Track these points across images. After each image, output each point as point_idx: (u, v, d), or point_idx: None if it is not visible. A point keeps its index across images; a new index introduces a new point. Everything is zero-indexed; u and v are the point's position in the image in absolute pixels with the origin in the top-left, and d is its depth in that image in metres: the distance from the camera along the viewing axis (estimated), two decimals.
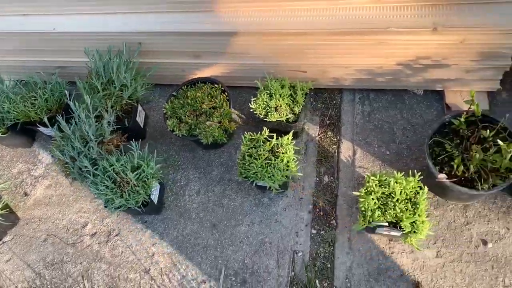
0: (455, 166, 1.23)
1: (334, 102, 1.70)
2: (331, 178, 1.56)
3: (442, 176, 1.23)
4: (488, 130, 1.24)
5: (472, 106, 1.26)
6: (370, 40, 1.39)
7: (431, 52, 1.39)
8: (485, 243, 1.34)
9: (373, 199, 1.26)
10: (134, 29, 1.53)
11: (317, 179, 1.57)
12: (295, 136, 1.62)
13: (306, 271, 1.42)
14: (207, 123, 1.47)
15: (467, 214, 1.40)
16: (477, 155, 1.19)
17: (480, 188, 1.21)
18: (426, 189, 1.27)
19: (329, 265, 1.42)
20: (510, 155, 1.14)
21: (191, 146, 1.72)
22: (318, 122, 1.67)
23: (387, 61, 1.46)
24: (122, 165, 1.42)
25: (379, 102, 1.65)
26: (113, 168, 1.41)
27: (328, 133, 1.64)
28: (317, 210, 1.52)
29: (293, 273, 1.43)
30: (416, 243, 1.25)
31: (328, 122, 1.66)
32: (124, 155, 1.46)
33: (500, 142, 1.17)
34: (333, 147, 1.61)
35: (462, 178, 1.25)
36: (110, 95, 1.56)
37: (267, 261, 1.46)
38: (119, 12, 1.55)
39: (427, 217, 1.25)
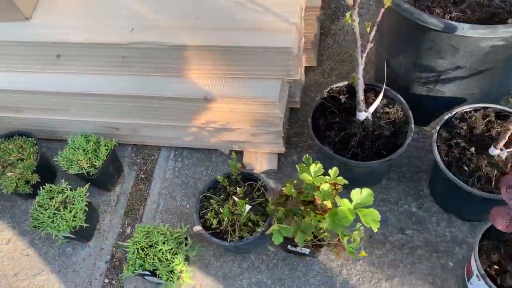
0: (211, 219, 1.37)
1: (152, 158, 1.83)
2: (133, 229, 1.65)
3: (197, 228, 1.36)
4: (241, 187, 1.40)
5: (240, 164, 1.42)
6: (162, 104, 1.55)
7: (216, 118, 1.57)
8: None
9: (137, 248, 1.36)
10: None
11: (121, 230, 1.66)
12: (107, 189, 1.73)
13: None
14: (8, 174, 1.56)
15: (242, 265, 1.52)
16: (225, 209, 1.34)
17: (229, 240, 1.35)
18: (190, 240, 1.39)
19: None
20: (243, 209, 1.29)
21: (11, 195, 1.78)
22: (134, 176, 1.79)
23: (180, 122, 1.63)
24: None
25: (190, 159, 1.80)
26: None
27: (141, 186, 1.76)
28: (114, 260, 1.60)
29: None
30: None
31: (143, 176, 1.79)
32: None
33: (235, 198, 1.32)
34: (141, 200, 1.72)
35: (218, 230, 1.38)
36: None
37: None
38: None
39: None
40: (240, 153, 1.76)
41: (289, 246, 1.39)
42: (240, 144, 1.69)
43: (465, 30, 1.19)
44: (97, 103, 1.61)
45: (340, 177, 1.19)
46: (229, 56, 1.40)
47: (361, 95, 1.35)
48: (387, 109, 1.48)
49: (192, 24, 1.43)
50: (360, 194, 1.15)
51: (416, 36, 1.32)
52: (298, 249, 1.39)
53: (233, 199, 1.39)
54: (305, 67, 1.84)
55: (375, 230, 1.10)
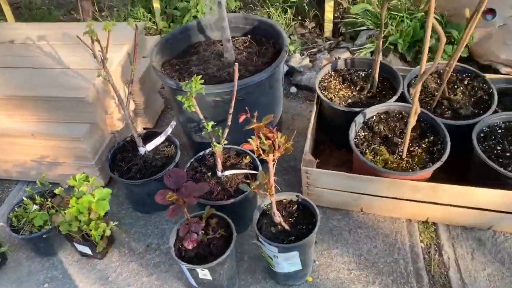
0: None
1: (9, 189, 2.30)
2: None
3: None
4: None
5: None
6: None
7: (46, 153, 2.08)
8: None
9: None
10: None
11: None
12: None
13: None
14: None
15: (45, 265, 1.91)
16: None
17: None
18: None
19: None
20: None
21: None
22: None
23: (24, 157, 2.14)
24: None
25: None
26: None
27: None
28: None
29: None
30: None
31: None
32: None
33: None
34: None
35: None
36: None
37: None
38: None
39: None
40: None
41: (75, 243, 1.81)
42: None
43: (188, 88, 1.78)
44: None
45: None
46: (50, 104, 1.97)
47: (137, 138, 1.90)
48: (165, 148, 2.02)
49: (27, 85, 2.03)
50: (101, 192, 1.64)
51: (173, 94, 1.91)
52: (79, 247, 1.82)
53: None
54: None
55: (102, 213, 1.58)
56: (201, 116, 1.59)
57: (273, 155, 1.48)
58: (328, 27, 2.89)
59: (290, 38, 2.91)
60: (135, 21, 3.16)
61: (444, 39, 1.38)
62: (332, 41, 2.88)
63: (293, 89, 2.64)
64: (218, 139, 1.67)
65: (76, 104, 1.94)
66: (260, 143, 1.47)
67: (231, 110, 1.59)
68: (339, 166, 2.08)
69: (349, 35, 2.84)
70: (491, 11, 2.34)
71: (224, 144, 1.68)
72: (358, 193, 1.84)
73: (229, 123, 1.61)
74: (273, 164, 1.49)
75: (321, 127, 2.19)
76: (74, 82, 1.99)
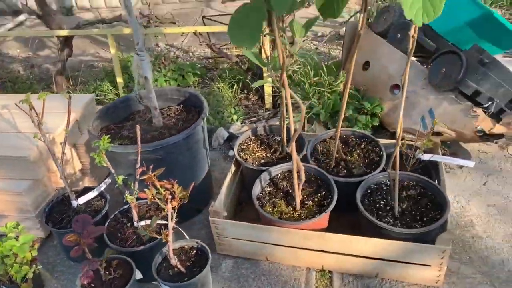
0: None
1: None
2: None
3: None
4: None
5: None
6: None
7: None
8: None
9: None
10: None
11: None
12: None
13: None
14: None
15: None
16: None
17: None
18: None
19: None
20: None
21: None
22: None
23: None
24: None
25: None
26: None
27: None
28: None
29: None
30: None
31: None
32: None
33: None
34: None
35: None
36: None
37: None
38: None
39: None
40: None
41: None
42: None
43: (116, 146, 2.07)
44: None
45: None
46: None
47: (69, 192, 2.17)
48: (96, 202, 2.26)
49: None
50: (25, 237, 1.87)
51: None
52: None
53: None
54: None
55: (22, 256, 1.79)
56: (113, 171, 1.86)
57: (171, 204, 1.73)
58: (268, 100, 3.26)
59: (235, 109, 3.26)
60: (102, 92, 3.57)
61: (303, 108, 1.69)
62: (271, 111, 3.23)
63: (231, 153, 2.94)
64: (131, 192, 1.93)
65: (20, 162, 2.23)
66: (157, 193, 1.73)
67: (138, 165, 1.86)
68: (255, 220, 2.30)
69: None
70: (397, 86, 2.69)
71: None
72: (262, 243, 2.05)
73: (137, 177, 1.88)
74: (172, 212, 1.74)
75: (243, 186, 2.45)
76: (22, 143, 2.30)
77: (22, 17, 5.57)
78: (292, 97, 1.70)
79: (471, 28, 2.52)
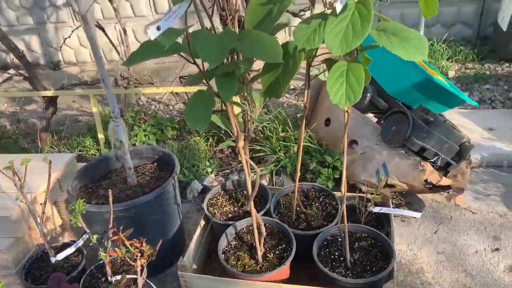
0: None
1: None
2: None
3: None
4: None
5: None
6: None
7: None
8: None
9: None
10: None
11: None
12: None
13: None
14: None
15: None
16: None
17: None
18: None
19: None
20: None
21: None
22: None
23: None
24: None
25: None
26: None
27: None
28: None
29: None
30: None
31: None
32: None
33: None
34: None
35: None
36: None
37: None
38: None
39: None
40: None
41: None
42: None
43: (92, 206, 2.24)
44: None
45: None
46: None
47: (48, 249, 2.32)
48: (74, 258, 2.41)
49: None
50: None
51: None
52: None
53: None
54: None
55: None
56: (88, 231, 2.03)
57: (140, 261, 1.90)
58: (246, 148, 3.47)
59: (209, 161, 3.47)
60: (84, 148, 3.76)
61: (258, 172, 1.90)
62: (242, 164, 3.44)
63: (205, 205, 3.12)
64: (105, 249, 2.09)
65: (2, 221, 2.38)
66: (127, 251, 1.90)
67: (110, 225, 2.03)
68: (224, 271, 2.46)
69: (258, 159, 3.41)
70: (355, 142, 2.94)
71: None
72: None
73: (110, 235, 2.05)
74: (141, 269, 1.90)
75: (213, 238, 2.62)
76: (5, 203, 2.46)
77: (11, 72, 5.83)
78: (249, 162, 1.92)
79: (418, 90, 2.81)
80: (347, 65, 1.54)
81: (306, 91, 1.93)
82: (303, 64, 1.77)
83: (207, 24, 1.55)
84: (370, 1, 1.42)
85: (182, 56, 1.56)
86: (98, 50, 2.20)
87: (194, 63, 1.55)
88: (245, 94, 2.24)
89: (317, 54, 1.78)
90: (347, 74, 1.53)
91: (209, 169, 3.39)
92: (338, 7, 1.37)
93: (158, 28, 1.32)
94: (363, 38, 1.39)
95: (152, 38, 1.31)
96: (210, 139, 3.66)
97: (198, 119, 1.51)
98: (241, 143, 1.94)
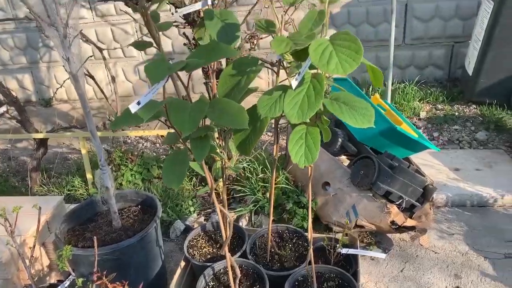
0: None
1: None
2: None
3: None
4: None
5: None
6: None
7: None
8: None
9: None
10: None
11: None
12: None
13: None
14: None
15: None
16: None
17: None
18: None
19: None
20: None
21: None
22: None
23: None
24: None
25: None
26: None
27: None
28: None
29: None
30: None
31: None
32: None
33: None
34: None
35: None
36: None
37: None
38: None
39: None
40: None
41: None
42: None
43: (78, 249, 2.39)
44: None
45: None
46: None
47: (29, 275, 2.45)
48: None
49: None
50: None
51: None
52: None
53: None
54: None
55: None
56: (73, 274, 2.18)
57: None
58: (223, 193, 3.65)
59: (192, 201, 3.64)
60: (73, 187, 3.92)
61: (231, 219, 2.09)
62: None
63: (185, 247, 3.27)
64: None
65: None
66: None
67: (95, 269, 2.19)
68: None
69: (238, 199, 3.59)
70: (327, 183, 3.14)
71: None
72: None
73: (94, 279, 2.20)
74: None
75: (193, 278, 2.77)
76: None
77: (4, 108, 6.00)
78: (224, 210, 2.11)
79: (384, 137, 3.04)
80: (306, 128, 1.76)
81: (275, 145, 2.14)
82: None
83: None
84: (323, 77, 1.65)
85: (161, 121, 1.77)
86: (87, 104, 2.40)
87: (172, 127, 1.76)
88: (223, 144, 2.45)
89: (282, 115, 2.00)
90: (306, 137, 1.74)
91: (192, 208, 3.56)
92: (294, 83, 1.60)
93: (139, 103, 1.52)
94: (316, 109, 1.61)
95: (133, 112, 1.52)
96: (194, 178, 3.84)
97: (173, 179, 1.70)
98: (213, 196, 2.13)
